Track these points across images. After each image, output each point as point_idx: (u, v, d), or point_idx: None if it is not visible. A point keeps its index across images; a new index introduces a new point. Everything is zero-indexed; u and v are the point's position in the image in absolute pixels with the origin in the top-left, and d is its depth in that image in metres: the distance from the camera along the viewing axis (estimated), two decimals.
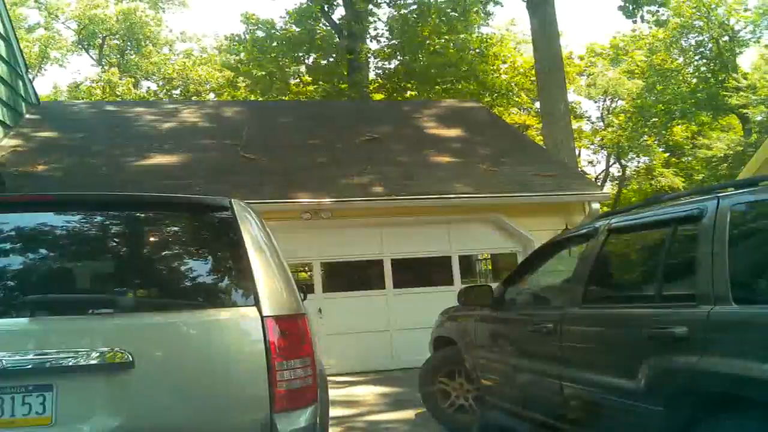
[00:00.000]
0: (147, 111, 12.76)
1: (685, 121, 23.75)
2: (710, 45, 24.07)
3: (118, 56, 29.14)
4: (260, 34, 20.79)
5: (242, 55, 21.52)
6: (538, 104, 17.05)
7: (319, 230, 8.68)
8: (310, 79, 20.96)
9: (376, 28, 20.52)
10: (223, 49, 26.05)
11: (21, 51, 11.21)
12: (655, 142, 24.75)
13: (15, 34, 10.89)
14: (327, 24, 20.57)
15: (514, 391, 4.11)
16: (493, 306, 4.45)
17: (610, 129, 25.70)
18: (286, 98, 19.95)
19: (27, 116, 11.04)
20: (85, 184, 8.14)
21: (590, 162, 27.77)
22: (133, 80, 27.60)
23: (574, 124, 20.54)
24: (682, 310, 2.69)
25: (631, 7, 15.49)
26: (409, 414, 5.81)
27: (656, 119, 23.81)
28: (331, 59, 20.36)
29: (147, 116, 12.14)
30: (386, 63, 21.09)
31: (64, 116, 11.89)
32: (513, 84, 21.03)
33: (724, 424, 2.37)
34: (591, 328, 3.38)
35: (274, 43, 20.17)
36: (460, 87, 19.79)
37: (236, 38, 22.00)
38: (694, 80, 24.24)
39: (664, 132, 24.27)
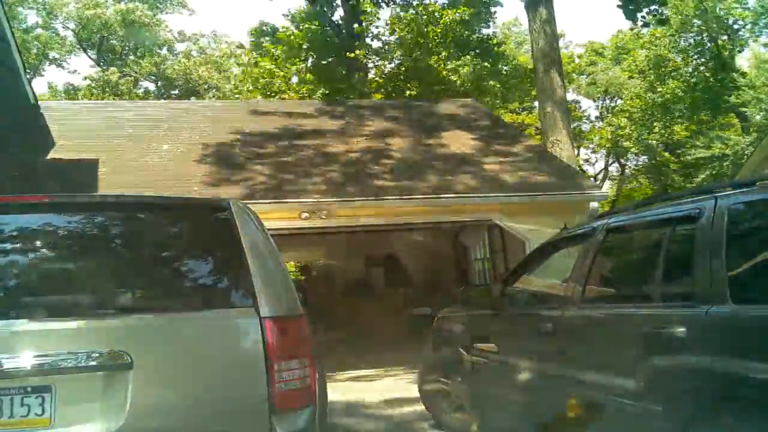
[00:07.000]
0: (145, 110, 12.74)
1: (683, 120, 23.72)
2: (708, 44, 24.04)
3: (118, 56, 29.08)
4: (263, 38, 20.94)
5: (245, 58, 21.67)
6: (537, 103, 17.02)
7: None
8: (310, 78, 20.94)
9: (377, 26, 20.49)
10: (226, 54, 26.16)
11: (19, 51, 11.16)
12: (654, 141, 24.73)
13: (13, 34, 10.84)
14: (327, 24, 20.55)
15: (513, 391, 4.12)
16: (493, 306, 4.45)
17: (609, 128, 25.66)
18: (286, 98, 19.91)
19: (24, 116, 11.01)
20: (83, 184, 8.13)
21: (587, 160, 27.77)
22: (132, 80, 27.53)
23: (574, 124, 20.49)
24: (681, 309, 2.69)
25: (629, 7, 15.39)
26: None
27: (655, 119, 23.78)
28: (331, 59, 20.31)
29: (144, 115, 12.11)
30: (386, 63, 21.04)
31: (62, 116, 11.85)
32: (513, 86, 20.97)
33: (722, 424, 2.38)
34: (590, 327, 3.38)
35: (273, 45, 20.22)
36: (459, 87, 19.73)
37: (237, 44, 22.23)
38: (693, 80, 24.21)
39: (663, 132, 24.25)
